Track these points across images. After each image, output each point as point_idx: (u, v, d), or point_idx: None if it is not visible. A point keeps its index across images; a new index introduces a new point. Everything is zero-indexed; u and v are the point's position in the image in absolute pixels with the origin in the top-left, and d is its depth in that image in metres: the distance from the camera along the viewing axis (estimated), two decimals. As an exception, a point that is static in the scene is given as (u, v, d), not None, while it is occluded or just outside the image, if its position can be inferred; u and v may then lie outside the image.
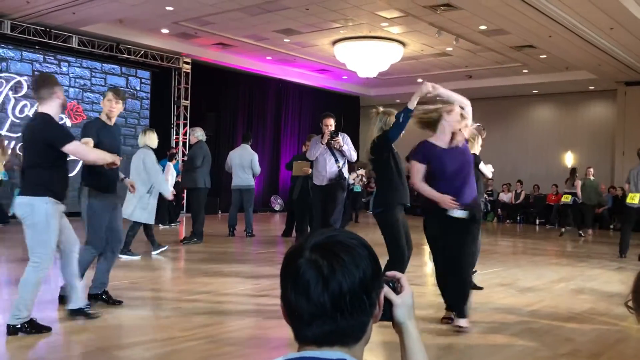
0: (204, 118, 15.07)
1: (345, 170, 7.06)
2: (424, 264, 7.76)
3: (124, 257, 6.99)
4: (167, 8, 11.31)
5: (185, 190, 12.05)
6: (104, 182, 4.71)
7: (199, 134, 8.73)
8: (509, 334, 4.30)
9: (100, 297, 4.80)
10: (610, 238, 12.75)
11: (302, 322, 1.05)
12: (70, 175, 4.59)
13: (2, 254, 7.82)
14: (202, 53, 15.21)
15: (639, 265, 8.08)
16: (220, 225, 11.71)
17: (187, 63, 15.56)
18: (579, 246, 11.08)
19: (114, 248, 4.92)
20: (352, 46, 13.45)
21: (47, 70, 13.17)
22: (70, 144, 4.09)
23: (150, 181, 7.22)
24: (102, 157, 4.33)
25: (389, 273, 1.26)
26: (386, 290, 1.20)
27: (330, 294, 1.02)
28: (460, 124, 4.37)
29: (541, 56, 14.02)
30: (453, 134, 4.36)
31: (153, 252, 7.69)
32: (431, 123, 4.49)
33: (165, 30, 13.48)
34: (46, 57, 13.17)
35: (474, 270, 5.27)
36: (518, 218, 16.70)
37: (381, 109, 5.12)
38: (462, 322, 4.26)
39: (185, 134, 15.48)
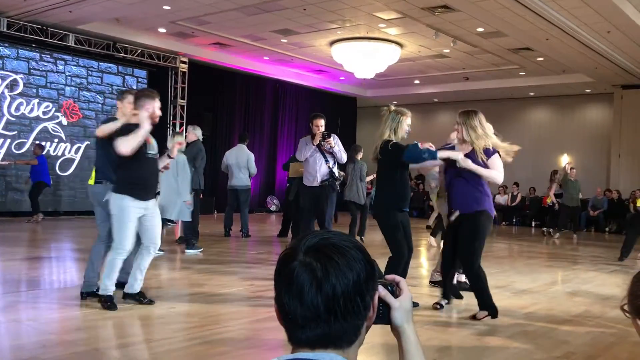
0: (200, 118, 15.04)
1: (335, 171, 7.04)
2: (419, 265, 7.76)
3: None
4: (165, 7, 11.30)
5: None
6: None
7: (199, 132, 8.69)
8: (504, 336, 4.30)
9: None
10: (606, 241, 12.79)
11: (296, 325, 1.04)
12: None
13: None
14: (199, 52, 15.19)
15: (634, 269, 8.09)
16: (216, 225, 11.70)
17: (184, 62, 15.53)
18: (574, 249, 11.10)
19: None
20: (349, 47, 13.45)
21: (43, 69, 13.15)
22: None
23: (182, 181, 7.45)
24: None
25: (387, 276, 1.25)
26: (384, 294, 1.19)
27: (323, 297, 1.01)
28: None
29: (538, 59, 14.05)
30: None
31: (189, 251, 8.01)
32: None
33: (162, 30, 13.45)
34: (42, 55, 13.14)
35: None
36: (514, 220, 16.74)
37: (393, 107, 5.07)
38: (479, 315, 4.72)
39: (181, 134, 15.45)
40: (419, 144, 4.71)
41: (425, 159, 4.72)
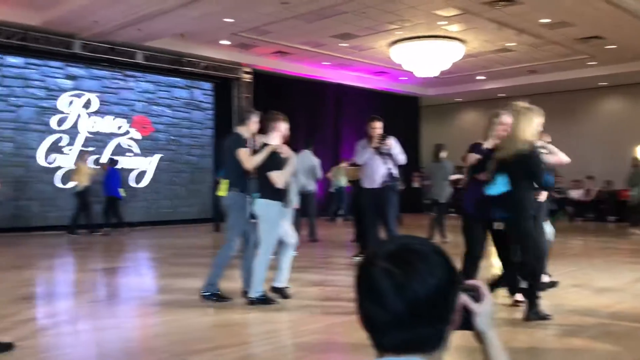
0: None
1: (395, 172, 7.01)
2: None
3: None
4: (227, 20, 11.57)
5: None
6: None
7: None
8: (588, 337, 4.14)
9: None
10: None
11: (379, 331, 1.05)
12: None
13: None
14: (261, 62, 15.46)
15: None
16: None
17: (247, 73, 15.83)
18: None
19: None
20: (410, 47, 13.34)
21: (115, 86, 13.74)
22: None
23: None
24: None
25: (468, 282, 1.24)
26: (466, 300, 1.19)
27: (405, 302, 1.02)
28: None
29: (609, 47, 13.46)
30: None
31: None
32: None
33: (225, 42, 13.79)
34: (113, 73, 13.73)
35: None
36: (590, 215, 16.07)
37: (523, 104, 4.70)
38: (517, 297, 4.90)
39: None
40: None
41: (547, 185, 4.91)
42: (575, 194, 16.16)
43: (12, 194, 11.98)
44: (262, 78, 16.08)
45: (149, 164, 14.30)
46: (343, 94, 18.41)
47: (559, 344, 4.01)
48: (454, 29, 12.36)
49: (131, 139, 13.97)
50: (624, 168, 13.77)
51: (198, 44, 13.87)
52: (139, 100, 14.16)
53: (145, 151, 14.22)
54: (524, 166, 4.49)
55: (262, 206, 5.08)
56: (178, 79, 14.86)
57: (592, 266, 7.47)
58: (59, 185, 12.68)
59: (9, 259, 8.26)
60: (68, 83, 13.05)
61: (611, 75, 15.96)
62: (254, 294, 5.04)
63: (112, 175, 12.25)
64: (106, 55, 13.24)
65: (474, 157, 4.94)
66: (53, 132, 12.76)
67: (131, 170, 13.96)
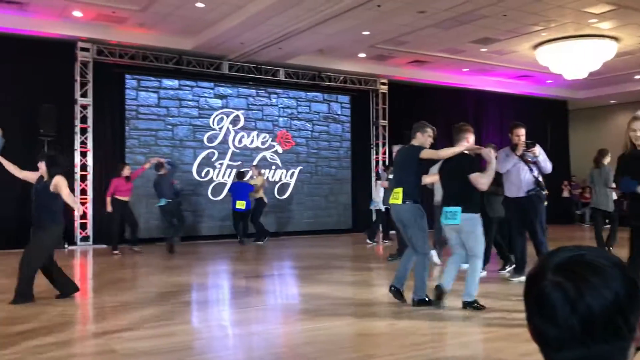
0: (402, 137, 15.23)
1: (541, 180, 6.64)
2: None
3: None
4: (364, 33, 11.73)
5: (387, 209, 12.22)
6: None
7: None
8: None
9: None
10: None
11: (551, 347, 0.98)
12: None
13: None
14: (398, 72, 15.46)
15: None
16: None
17: (383, 84, 15.92)
18: None
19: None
20: (556, 48, 12.59)
21: (259, 103, 14.47)
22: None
23: None
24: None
25: None
26: None
27: (578, 318, 0.94)
28: None
29: None
30: None
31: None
32: None
33: (362, 55, 13.97)
34: (258, 91, 14.47)
35: None
36: None
37: None
38: None
39: (384, 153, 15.83)
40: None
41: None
42: None
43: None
44: (397, 88, 16.06)
45: (291, 177, 14.84)
46: (483, 101, 17.82)
47: None
48: (605, 26, 11.49)
49: (275, 152, 14.60)
50: None
51: (336, 59, 14.22)
52: (281, 116, 14.78)
53: (287, 164, 14.79)
54: None
55: (473, 220, 5.15)
56: (317, 94, 15.30)
57: None
58: (211, 197, 13.55)
59: (170, 264, 8.98)
60: (218, 102, 13.97)
61: None
62: (467, 298, 5.20)
63: (238, 189, 12.71)
64: (251, 74, 14.04)
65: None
66: (205, 147, 13.71)
67: (275, 182, 14.59)
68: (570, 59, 12.72)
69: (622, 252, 4.59)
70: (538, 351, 1.01)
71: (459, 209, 5.16)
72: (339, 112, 15.66)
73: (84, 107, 12.29)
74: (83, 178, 12.29)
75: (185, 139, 13.54)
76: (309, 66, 14.41)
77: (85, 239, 12.22)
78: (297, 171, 14.89)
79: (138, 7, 10.72)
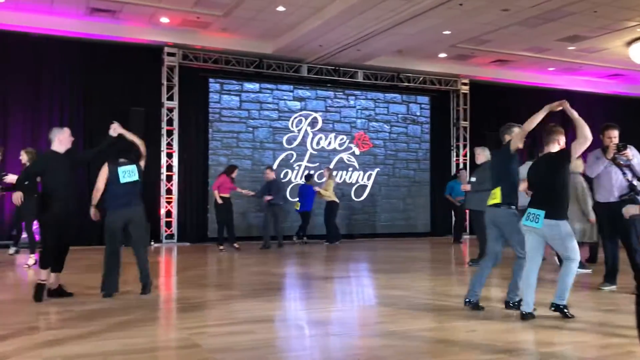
0: (483, 137, 14.83)
1: (637, 183, 6.23)
2: None
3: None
4: (445, 32, 11.52)
5: (468, 211, 11.93)
6: None
7: (487, 153, 8.58)
8: None
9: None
10: None
11: None
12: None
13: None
14: (479, 72, 15.10)
15: None
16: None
17: (464, 84, 15.58)
18: None
19: None
20: (652, 44, 11.89)
21: (337, 105, 14.52)
22: None
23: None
24: None
25: None
26: None
27: None
28: None
29: None
30: None
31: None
32: None
33: (442, 55, 13.74)
34: (336, 93, 14.53)
35: None
36: None
37: None
38: None
39: (465, 155, 15.49)
40: None
41: None
42: None
43: (248, 206, 13.32)
44: (479, 89, 15.67)
45: (368, 179, 14.79)
46: (570, 101, 16.98)
47: None
48: None
49: (352, 154, 14.61)
50: None
51: (415, 59, 14.06)
52: (359, 118, 14.77)
53: (364, 166, 14.75)
54: None
55: (551, 227, 4.93)
56: (395, 95, 15.18)
57: None
58: (289, 198, 13.73)
59: (250, 263, 9.17)
60: (297, 104, 14.14)
61: None
62: (558, 300, 5.03)
63: (303, 191, 12.77)
64: (330, 77, 14.13)
65: None
66: (284, 150, 13.92)
67: (352, 184, 14.59)
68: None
69: None
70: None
71: (542, 212, 4.95)
72: (418, 113, 15.47)
73: (170, 110, 12.79)
74: (169, 178, 12.79)
75: (265, 140, 13.80)
76: (388, 67, 14.33)
77: (169, 236, 12.71)
78: (374, 173, 14.83)
79: (221, 12, 11.04)
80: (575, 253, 4.99)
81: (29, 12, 11.01)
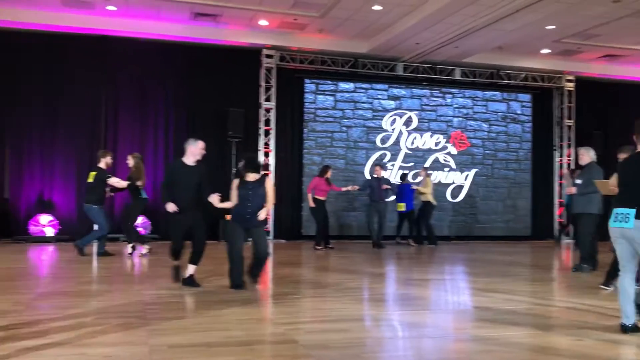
0: (589, 137, 14.03)
1: None
2: None
3: None
4: (548, 27, 11.02)
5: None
6: None
7: (592, 154, 8.09)
8: None
9: None
10: None
11: None
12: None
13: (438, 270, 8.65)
14: (586, 68, 14.32)
15: None
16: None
17: (569, 81, 14.84)
18: None
19: None
20: None
21: (433, 104, 14.28)
22: None
23: None
24: None
25: None
26: None
27: None
28: None
29: None
30: None
31: None
32: None
33: (545, 50, 13.16)
34: (432, 91, 14.29)
35: None
36: None
37: None
38: None
39: (569, 156, 14.74)
40: None
41: None
42: None
43: (342, 205, 13.40)
44: (586, 85, 14.86)
45: (465, 179, 14.43)
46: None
47: None
48: None
49: (448, 154, 14.31)
50: None
51: (515, 55, 13.56)
52: (456, 116, 14.44)
53: (462, 166, 14.40)
54: None
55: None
56: (495, 93, 14.71)
57: None
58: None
59: (344, 262, 9.23)
60: (391, 103, 14.05)
61: None
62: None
63: (401, 191, 12.52)
64: (426, 75, 13.93)
65: None
66: (378, 149, 13.87)
67: (447, 185, 14.29)
68: None
69: None
70: None
71: (632, 211, 4.49)
72: (519, 112, 14.90)
73: (268, 110, 13.12)
74: (265, 177, 13.12)
75: (359, 140, 13.82)
76: (486, 64, 13.91)
77: (266, 234, 13.01)
78: (471, 173, 14.45)
79: (317, 13, 11.17)
80: None
81: (138, 18, 11.67)
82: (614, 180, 5.50)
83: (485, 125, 14.65)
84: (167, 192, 6.17)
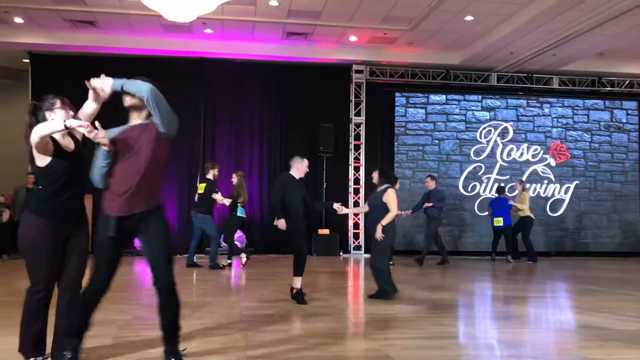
0: None
1: None
2: None
3: None
4: (655, 29, 10.35)
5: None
6: None
7: None
8: None
9: None
10: None
11: None
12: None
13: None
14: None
15: None
16: None
17: (680, 85, 13.84)
18: None
19: None
20: None
21: (530, 114, 13.78)
22: None
23: None
24: None
25: None
26: None
27: None
28: None
29: None
30: None
31: None
32: None
33: (652, 54, 12.35)
34: (529, 101, 13.81)
35: None
36: None
37: None
38: None
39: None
40: None
41: None
42: None
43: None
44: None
45: (565, 192, 13.77)
46: None
47: None
48: None
49: (547, 166, 13.73)
50: None
51: (618, 61, 12.87)
52: (555, 127, 13.86)
53: (561, 178, 13.77)
54: None
55: None
56: (597, 101, 13.99)
57: None
58: (477, 212, 13.30)
59: (437, 279, 9.05)
60: (485, 115, 13.70)
61: None
62: None
63: (497, 204, 12.00)
64: (521, 84, 13.49)
65: None
66: (472, 162, 13.55)
67: (547, 198, 13.70)
68: None
69: None
70: None
71: None
72: (624, 120, 14.07)
73: (357, 125, 13.19)
74: (356, 191, 13.17)
75: (452, 152, 13.56)
76: (587, 71, 13.27)
77: (357, 248, 13.03)
78: (572, 186, 13.77)
79: (407, 27, 11.13)
80: None
81: (233, 40, 12.15)
82: None
83: (586, 136, 13.94)
84: (279, 208, 6.26)
